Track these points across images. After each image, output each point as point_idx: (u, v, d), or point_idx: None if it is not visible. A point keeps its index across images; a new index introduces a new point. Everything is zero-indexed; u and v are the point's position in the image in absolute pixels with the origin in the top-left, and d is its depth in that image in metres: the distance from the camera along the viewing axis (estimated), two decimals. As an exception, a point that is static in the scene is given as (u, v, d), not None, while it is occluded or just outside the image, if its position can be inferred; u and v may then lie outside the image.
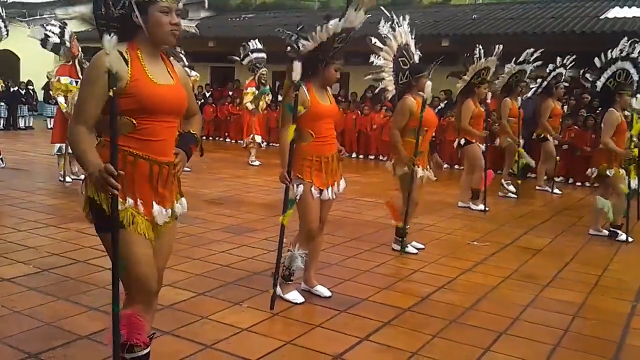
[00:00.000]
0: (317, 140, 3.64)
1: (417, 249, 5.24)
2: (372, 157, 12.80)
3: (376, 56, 4.93)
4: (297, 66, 3.39)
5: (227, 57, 11.17)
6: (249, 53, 10.50)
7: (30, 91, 16.84)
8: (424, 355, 3.14)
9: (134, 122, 2.24)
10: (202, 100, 15.04)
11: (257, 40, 10.58)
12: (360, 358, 3.10)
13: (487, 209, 7.21)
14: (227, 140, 15.04)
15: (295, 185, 3.59)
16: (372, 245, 5.35)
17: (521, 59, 8.37)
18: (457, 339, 3.37)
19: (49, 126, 13.93)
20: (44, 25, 7.69)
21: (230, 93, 15.37)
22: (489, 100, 7.41)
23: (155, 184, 2.32)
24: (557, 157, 9.08)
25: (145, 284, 2.32)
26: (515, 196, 8.34)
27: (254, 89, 10.43)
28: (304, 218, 3.70)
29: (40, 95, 17.23)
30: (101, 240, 2.33)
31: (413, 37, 5.16)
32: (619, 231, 6.04)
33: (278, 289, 3.74)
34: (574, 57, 9.10)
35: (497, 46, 7.34)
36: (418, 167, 4.99)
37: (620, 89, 5.95)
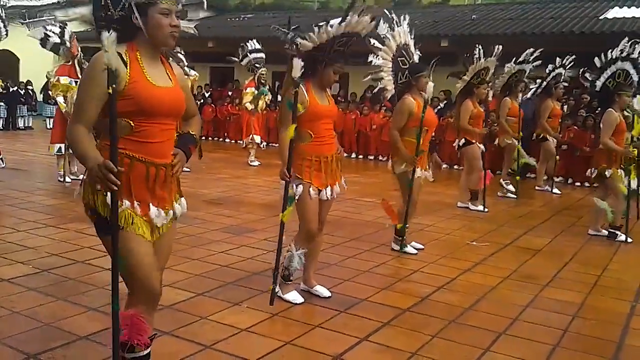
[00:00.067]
0: (316, 140, 3.65)
1: (416, 249, 5.24)
2: (372, 157, 12.80)
3: (375, 56, 4.93)
4: (297, 63, 3.38)
5: (226, 58, 11.15)
6: (248, 54, 10.50)
7: (30, 91, 16.83)
8: (423, 355, 3.14)
9: (132, 124, 2.24)
10: (202, 101, 15.04)
11: (255, 41, 10.58)
12: (360, 358, 3.10)
13: (486, 209, 7.22)
14: (227, 140, 15.03)
15: (294, 185, 3.59)
16: (371, 246, 5.35)
17: (521, 58, 8.38)
18: (457, 339, 3.37)
19: (49, 126, 13.97)
20: (44, 25, 7.70)
21: (230, 93, 15.36)
22: (490, 99, 7.41)
23: (152, 186, 2.32)
24: (557, 157, 9.09)
25: (148, 285, 2.32)
26: (515, 196, 8.34)
27: (253, 89, 10.43)
28: (303, 218, 3.70)
29: (39, 96, 17.23)
30: (102, 243, 2.33)
31: (412, 37, 5.16)
32: (618, 232, 6.04)
33: (277, 288, 3.74)
34: (574, 57, 9.11)
35: (496, 46, 7.34)
36: (418, 167, 4.99)
37: (620, 89, 5.95)
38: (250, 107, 10.41)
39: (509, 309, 3.90)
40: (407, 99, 4.96)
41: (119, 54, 2.18)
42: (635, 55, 6.01)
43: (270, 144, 12.09)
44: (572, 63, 9.10)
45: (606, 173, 5.90)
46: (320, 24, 3.47)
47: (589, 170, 6.26)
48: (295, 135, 3.49)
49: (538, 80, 9.15)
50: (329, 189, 3.72)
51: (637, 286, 4.53)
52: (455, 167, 11.37)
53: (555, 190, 9.06)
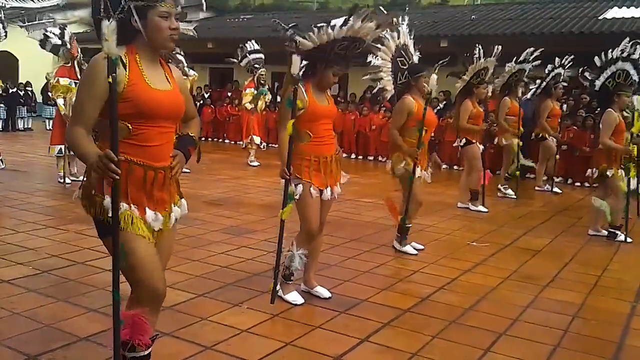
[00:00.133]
0: (315, 140, 3.64)
1: (416, 249, 5.24)
2: (371, 157, 12.79)
3: (374, 56, 4.93)
4: (296, 59, 3.37)
5: (225, 58, 11.15)
6: (247, 54, 10.50)
7: (29, 92, 16.83)
8: (423, 356, 3.14)
9: (130, 127, 2.23)
10: (201, 102, 15.03)
11: (254, 42, 10.59)
12: (360, 359, 3.10)
13: (486, 209, 7.22)
14: (226, 141, 15.03)
15: (294, 186, 3.59)
16: (371, 246, 5.35)
17: (521, 58, 8.38)
18: (457, 339, 3.37)
19: (48, 127, 13.97)
20: (44, 27, 7.70)
21: (229, 94, 15.36)
22: (489, 94, 7.41)
23: (150, 189, 2.31)
24: (557, 157, 9.09)
25: (151, 285, 2.31)
26: (515, 197, 8.34)
27: (252, 89, 10.44)
28: (304, 218, 3.70)
29: (39, 97, 17.23)
30: (104, 245, 2.33)
31: (412, 37, 5.16)
32: (617, 232, 6.04)
33: (278, 288, 3.73)
34: (573, 57, 9.11)
35: (495, 47, 7.34)
36: (418, 167, 4.99)
37: (619, 89, 5.95)
38: (249, 106, 10.41)
39: (510, 309, 3.90)
40: (406, 98, 4.97)
41: (119, 57, 2.17)
42: (636, 56, 6.01)
43: (270, 145, 12.10)
44: (572, 63, 9.11)
45: (607, 173, 5.91)
46: (320, 24, 3.46)
47: (589, 170, 6.26)
48: (294, 134, 3.48)
49: (538, 81, 9.15)
50: (328, 189, 3.72)
51: (637, 286, 4.53)
52: (455, 167, 11.37)
53: (556, 190, 9.06)
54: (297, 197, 3.60)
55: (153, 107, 2.25)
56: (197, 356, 3.00)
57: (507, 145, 8.46)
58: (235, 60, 10.74)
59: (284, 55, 3.60)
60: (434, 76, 4.84)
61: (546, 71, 8.99)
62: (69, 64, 7.81)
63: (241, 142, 11.11)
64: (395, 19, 4.63)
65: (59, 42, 7.83)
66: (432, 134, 5.55)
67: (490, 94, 7.46)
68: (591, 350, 3.32)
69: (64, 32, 7.79)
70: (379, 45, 4.88)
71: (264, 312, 3.62)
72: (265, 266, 4.49)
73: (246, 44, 10.54)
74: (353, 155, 12.98)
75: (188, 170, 8.62)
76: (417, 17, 13.89)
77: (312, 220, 3.69)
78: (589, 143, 9.56)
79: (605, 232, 6.13)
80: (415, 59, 5.16)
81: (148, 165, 2.29)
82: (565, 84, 9.30)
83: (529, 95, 9.28)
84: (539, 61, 8.50)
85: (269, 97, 10.92)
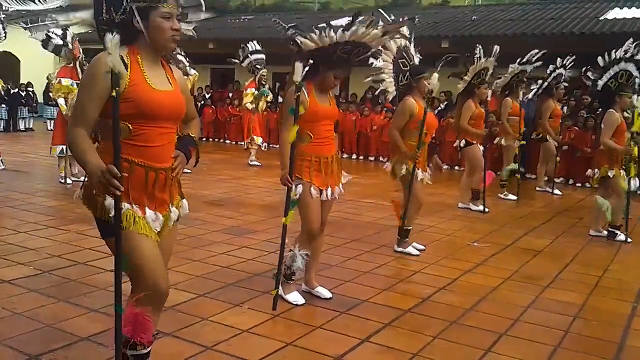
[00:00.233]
0: (316, 141, 3.64)
1: (417, 250, 5.24)
2: (372, 158, 12.80)
3: (375, 58, 4.92)
4: (298, 67, 3.38)
5: (226, 59, 11.16)
6: (248, 55, 10.52)
7: (30, 93, 16.85)
8: (424, 356, 3.14)
9: (130, 127, 2.23)
10: (202, 102, 15.03)
11: (255, 42, 10.60)
12: (361, 359, 3.10)
13: (486, 209, 7.22)
14: (227, 141, 15.04)
15: (294, 186, 3.59)
16: (372, 247, 5.35)
17: (525, 59, 8.39)
18: (458, 340, 3.37)
19: (49, 128, 13.98)
20: (46, 29, 7.71)
21: (230, 94, 15.37)
22: (489, 98, 7.41)
23: (151, 190, 2.31)
24: (557, 158, 9.08)
25: (153, 284, 2.31)
26: (515, 197, 8.34)
27: (253, 90, 10.45)
28: (305, 218, 3.70)
29: (40, 97, 17.25)
30: (107, 245, 2.33)
31: (412, 38, 5.16)
32: (617, 231, 6.04)
33: (280, 291, 3.73)
34: (574, 58, 9.11)
35: (494, 47, 7.34)
36: (418, 169, 4.99)
37: (621, 90, 5.94)
38: (250, 106, 10.42)
39: (510, 309, 3.90)
40: (408, 100, 4.97)
41: (120, 57, 2.18)
42: (639, 56, 6.00)
43: (270, 145, 12.11)
44: (573, 63, 9.11)
45: (609, 173, 5.91)
46: (321, 25, 3.46)
47: (589, 170, 6.26)
48: (295, 137, 3.49)
49: (539, 81, 9.15)
50: (329, 189, 3.72)
51: (638, 287, 4.52)
52: (456, 168, 11.37)
53: (556, 191, 9.06)
54: (297, 197, 3.60)
55: (154, 108, 2.26)
56: (198, 356, 3.00)
57: (507, 146, 8.47)
58: (236, 61, 10.75)
59: (285, 56, 3.60)
60: (436, 75, 4.83)
61: (547, 71, 8.99)
62: (71, 65, 7.83)
63: (242, 143, 11.11)
64: (403, 27, 4.53)
65: (61, 42, 7.85)
66: (433, 136, 5.54)
67: (489, 97, 7.45)
68: (592, 351, 3.32)
69: (66, 32, 7.80)
70: (380, 48, 4.88)
71: (264, 312, 3.62)
72: (266, 266, 4.49)
73: (248, 45, 10.55)
74: (354, 156, 12.98)
75: (189, 171, 8.60)
76: (417, 17, 13.88)
77: (312, 220, 3.69)
78: (590, 144, 9.55)
79: (606, 233, 6.13)
80: (416, 60, 5.16)
81: (149, 166, 2.29)
82: (566, 84, 9.29)
83: (530, 96, 9.28)
84: (540, 62, 8.50)
85: (270, 97, 10.93)
